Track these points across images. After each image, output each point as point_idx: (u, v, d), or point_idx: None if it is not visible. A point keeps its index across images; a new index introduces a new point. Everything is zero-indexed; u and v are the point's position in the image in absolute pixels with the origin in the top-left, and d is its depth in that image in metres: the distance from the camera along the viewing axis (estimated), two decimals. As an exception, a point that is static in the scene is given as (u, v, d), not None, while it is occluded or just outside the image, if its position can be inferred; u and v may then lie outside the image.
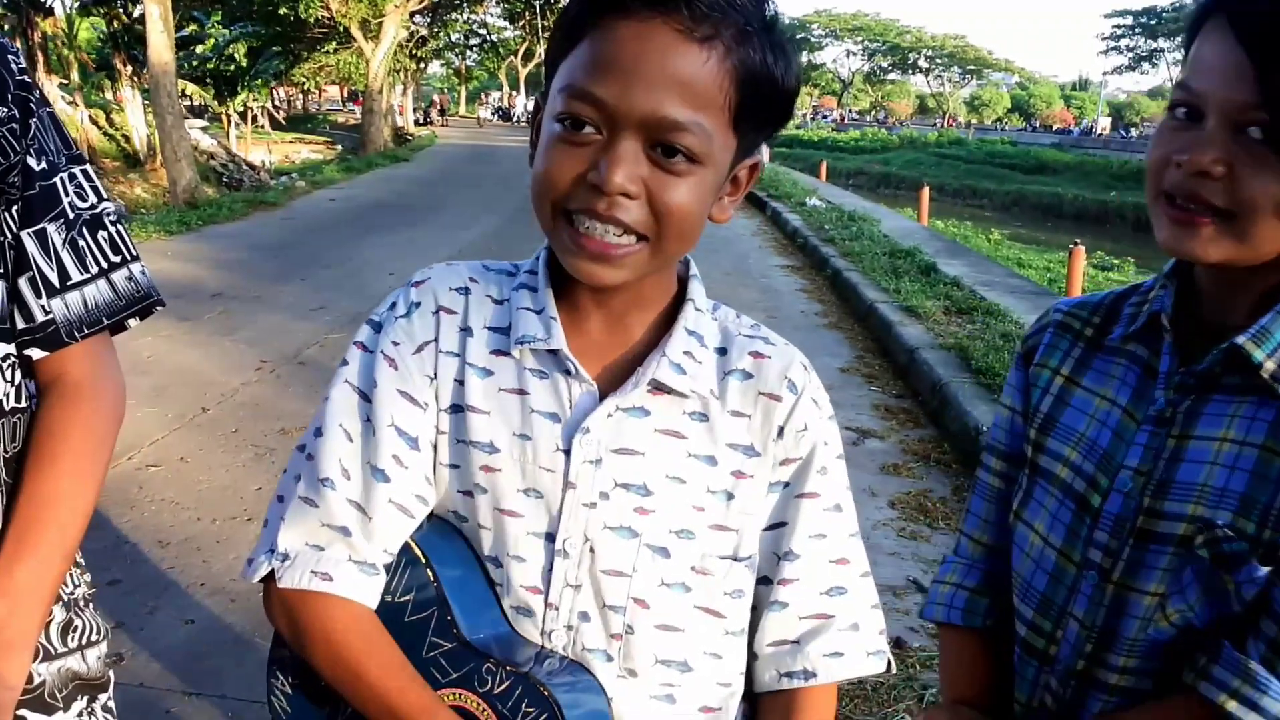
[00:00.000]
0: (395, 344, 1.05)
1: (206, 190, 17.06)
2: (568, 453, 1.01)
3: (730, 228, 14.68)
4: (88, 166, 1.19)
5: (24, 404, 1.14)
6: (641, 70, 0.88)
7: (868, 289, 8.70)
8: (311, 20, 26.74)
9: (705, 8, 0.88)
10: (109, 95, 26.70)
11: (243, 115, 35.19)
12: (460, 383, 1.04)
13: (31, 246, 1.11)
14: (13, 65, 1.10)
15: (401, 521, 1.03)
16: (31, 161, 1.11)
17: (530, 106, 1.07)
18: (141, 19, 16.27)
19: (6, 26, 21.07)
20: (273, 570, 1.01)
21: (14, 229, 1.11)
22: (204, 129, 31.50)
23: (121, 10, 22.72)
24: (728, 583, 1.06)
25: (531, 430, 1.02)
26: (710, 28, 0.89)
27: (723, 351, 1.07)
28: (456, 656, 1.01)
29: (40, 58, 21.48)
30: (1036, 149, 49.65)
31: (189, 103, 36.03)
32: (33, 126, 1.11)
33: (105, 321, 1.18)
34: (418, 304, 1.06)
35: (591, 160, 0.90)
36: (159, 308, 1.25)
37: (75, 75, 22.76)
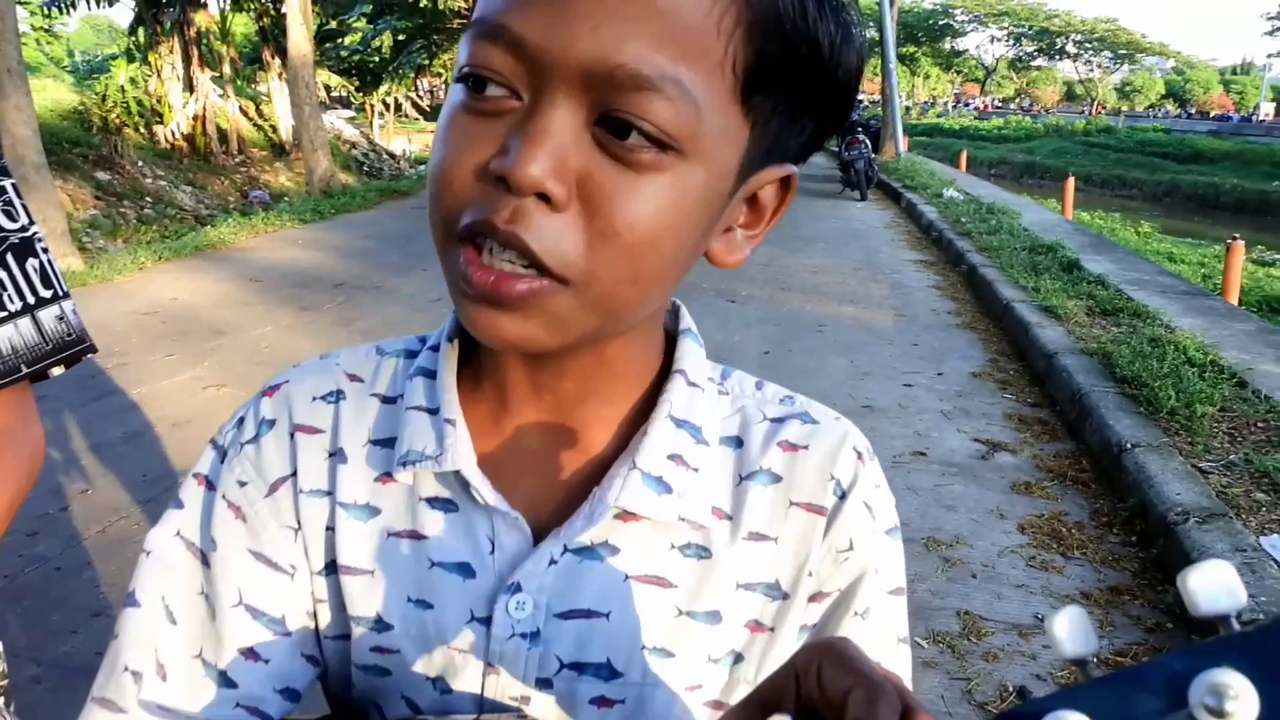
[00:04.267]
0: (241, 484, 0.70)
1: (343, 179, 17.46)
2: (487, 622, 0.66)
3: (863, 220, 14.24)
4: (15, 181, 0.97)
5: None
6: None
7: (1004, 287, 8.24)
8: (449, 10, 27.08)
9: None
10: (261, 88, 27.63)
11: (388, 105, 36.07)
12: (332, 530, 0.70)
13: None
14: None
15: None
16: None
17: None
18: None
19: (168, 22, 21.88)
20: None
21: None
22: (350, 119, 32.50)
23: (270, 4, 23.42)
24: None
25: (433, 594, 0.68)
26: None
27: (737, 444, 0.71)
28: None
29: (194, 52, 22.26)
30: (1192, 136, 47.09)
31: (337, 94, 37.08)
32: None
33: (24, 369, 0.95)
34: (270, 422, 0.71)
35: (501, 142, 0.54)
36: (89, 355, 1.03)
37: (227, 68, 23.52)
